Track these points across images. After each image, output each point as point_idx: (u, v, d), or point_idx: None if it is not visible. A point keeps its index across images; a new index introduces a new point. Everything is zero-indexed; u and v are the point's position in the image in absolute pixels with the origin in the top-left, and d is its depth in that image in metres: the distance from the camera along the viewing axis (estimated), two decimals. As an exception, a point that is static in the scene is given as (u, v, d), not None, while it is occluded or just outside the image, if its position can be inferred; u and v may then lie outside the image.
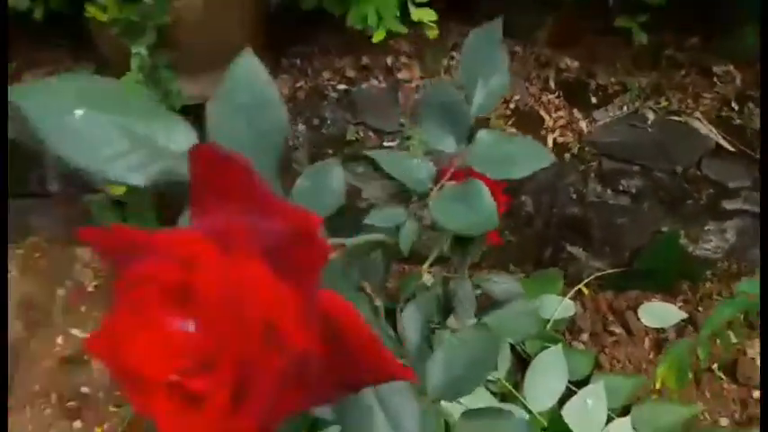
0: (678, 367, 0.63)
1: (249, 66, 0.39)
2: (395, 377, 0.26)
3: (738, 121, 0.87)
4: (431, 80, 0.89)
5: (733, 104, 0.89)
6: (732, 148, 0.84)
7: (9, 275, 0.98)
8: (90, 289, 1.01)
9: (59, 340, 0.94)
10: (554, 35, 1.01)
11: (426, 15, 0.60)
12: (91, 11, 0.67)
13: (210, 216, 0.25)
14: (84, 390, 0.89)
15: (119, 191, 0.94)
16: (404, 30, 0.73)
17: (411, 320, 0.61)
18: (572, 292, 0.98)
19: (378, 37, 0.66)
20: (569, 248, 0.98)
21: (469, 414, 0.57)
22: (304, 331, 0.22)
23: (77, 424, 0.86)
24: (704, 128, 0.86)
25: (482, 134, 0.56)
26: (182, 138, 0.37)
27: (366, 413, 0.33)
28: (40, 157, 0.96)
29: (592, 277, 0.99)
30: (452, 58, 0.96)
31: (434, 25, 0.63)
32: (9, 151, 0.92)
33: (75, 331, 0.95)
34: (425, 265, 0.75)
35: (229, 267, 0.22)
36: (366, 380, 0.27)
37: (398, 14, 0.72)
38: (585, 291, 1.00)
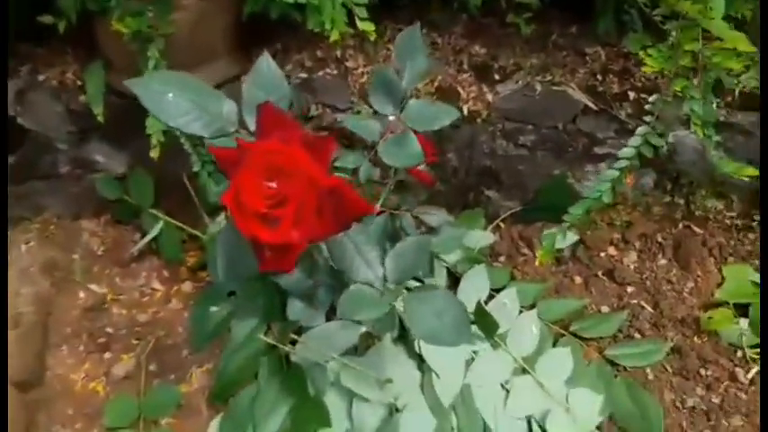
0: (547, 249, 0.91)
1: (266, 62, 0.65)
2: (367, 212, 0.52)
3: (601, 89, 1.16)
4: (375, 66, 1.15)
5: (598, 76, 1.18)
6: (596, 108, 1.14)
7: (29, 245, 1.16)
8: (99, 253, 1.21)
9: (81, 294, 1.13)
10: (466, 29, 1.29)
11: (368, 26, 0.85)
12: (115, 24, 0.89)
13: (272, 136, 0.51)
14: (109, 330, 1.08)
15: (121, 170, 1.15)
16: (351, 31, 0.98)
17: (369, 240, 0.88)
18: (491, 227, 1.26)
19: (333, 37, 0.91)
20: (487, 192, 1.25)
21: (414, 290, 0.83)
22: (326, 179, 0.48)
23: (107, 355, 1.04)
24: (577, 94, 1.14)
25: (411, 102, 0.84)
26: (228, 107, 0.63)
27: (347, 249, 0.58)
28: (52, 143, 1.15)
29: (506, 214, 1.27)
30: (388, 49, 1.22)
31: (374, 33, 0.89)
32: (24, 141, 1.11)
33: (93, 286, 1.14)
34: (377, 205, 1.03)
35: (292, 153, 0.48)
36: (353, 216, 0.53)
37: (347, 21, 0.97)
38: (502, 225, 1.28)
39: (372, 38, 0.87)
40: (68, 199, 1.19)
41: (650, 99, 0.84)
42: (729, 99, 1.16)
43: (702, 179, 1.23)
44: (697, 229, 1.26)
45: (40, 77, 1.09)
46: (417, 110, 0.82)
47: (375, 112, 0.84)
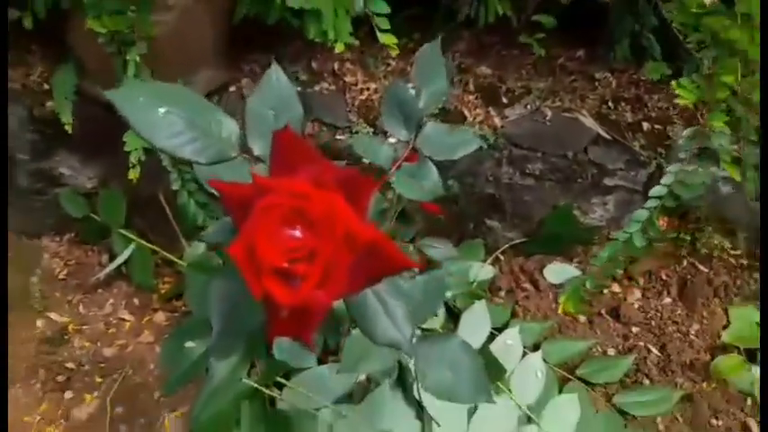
0: (573, 296, 0.84)
1: (276, 75, 0.55)
2: (408, 266, 0.43)
3: (613, 116, 1.10)
4: (389, 83, 1.06)
5: (609, 103, 1.13)
6: (609, 137, 1.08)
7: None
8: (61, 277, 1.09)
9: (39, 323, 1.02)
10: (470, 47, 1.21)
11: (389, 39, 0.77)
12: (90, 23, 0.78)
13: (297, 173, 0.41)
14: (69, 365, 0.98)
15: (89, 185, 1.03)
16: (355, 42, 0.89)
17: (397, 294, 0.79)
18: (491, 259, 1.19)
19: (338, 49, 0.82)
20: (488, 222, 1.18)
21: (423, 335, 0.74)
22: (366, 233, 0.39)
23: (68, 394, 0.94)
24: (588, 121, 1.08)
25: (429, 126, 0.75)
26: (229, 127, 0.53)
27: (371, 307, 0.49)
28: (12, 152, 1.03)
29: (507, 246, 1.19)
30: (388, 64, 1.14)
31: (396, 47, 0.80)
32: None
33: (52, 315, 1.03)
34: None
35: (326, 198, 0.38)
36: (389, 273, 0.43)
37: (352, 30, 0.88)
38: (502, 257, 1.21)
39: (394, 53, 0.78)
40: (28, 215, 1.06)
41: (684, 133, 0.77)
42: (741, 134, 1.12)
43: (709, 215, 1.18)
44: (702, 268, 1.21)
45: (1, 77, 0.97)
46: (435, 136, 0.73)
47: (384, 134, 0.76)
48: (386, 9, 0.77)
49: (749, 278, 1.20)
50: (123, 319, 1.01)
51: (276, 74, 0.55)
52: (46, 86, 0.96)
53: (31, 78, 0.97)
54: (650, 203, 0.78)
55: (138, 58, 0.81)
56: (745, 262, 1.21)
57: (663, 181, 0.77)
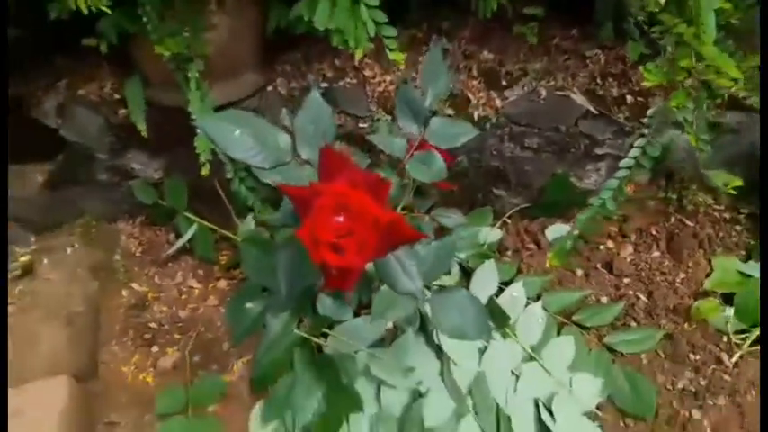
0: (559, 252, 1.01)
1: (316, 99, 0.73)
2: (418, 238, 0.61)
3: (601, 92, 1.25)
4: (395, 78, 1.22)
5: (598, 80, 1.27)
6: (596, 112, 1.23)
7: (74, 248, 1.24)
8: (137, 254, 1.29)
9: (124, 293, 1.22)
10: (474, 34, 1.36)
11: (398, 57, 0.93)
12: (159, 48, 0.96)
13: (338, 178, 0.59)
14: (152, 325, 1.16)
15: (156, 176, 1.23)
16: (372, 46, 1.05)
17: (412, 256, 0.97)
18: (499, 223, 1.36)
19: (358, 56, 0.98)
20: (495, 191, 1.34)
21: (438, 289, 0.93)
22: (386, 216, 0.57)
23: (154, 349, 1.13)
24: (578, 98, 1.23)
25: (434, 120, 0.92)
26: (284, 140, 0.71)
27: (393, 266, 0.68)
28: (92, 153, 1.23)
29: (512, 211, 1.35)
30: (401, 56, 1.29)
31: (403, 62, 0.96)
32: (64, 150, 1.18)
33: (134, 285, 1.23)
34: (398, 209, 1.11)
35: (358, 195, 0.56)
36: (406, 243, 0.61)
37: (369, 36, 1.04)
38: (509, 221, 1.38)
39: (402, 66, 0.94)
40: (106, 203, 1.27)
41: (648, 112, 0.92)
42: (719, 101, 1.25)
43: (693, 176, 1.32)
44: (689, 223, 1.36)
45: (80, 92, 1.16)
46: (440, 128, 0.90)
47: (398, 128, 0.92)
48: (394, 33, 0.93)
49: (731, 230, 1.35)
50: (192, 287, 1.21)
51: (316, 99, 0.72)
52: (117, 96, 1.15)
53: (104, 90, 1.16)
54: (619, 173, 0.94)
55: (197, 74, 0.99)
56: (727, 216, 1.36)
57: (629, 153, 0.93)
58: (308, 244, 0.56)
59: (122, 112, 1.14)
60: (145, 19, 0.99)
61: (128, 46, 1.11)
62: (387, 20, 0.92)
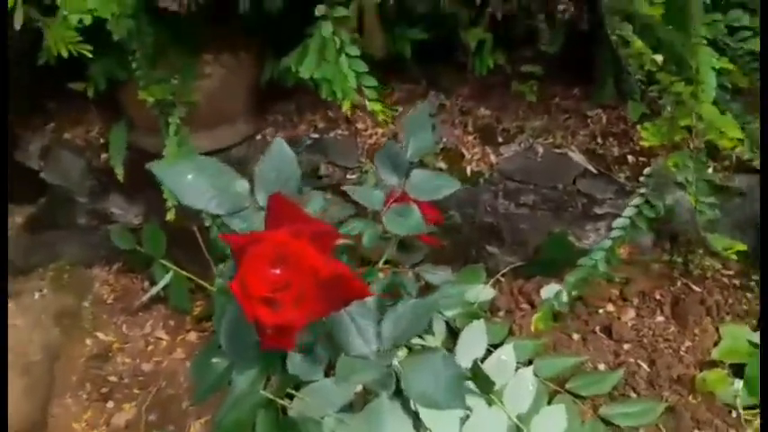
0: (544, 316, 0.94)
1: (280, 146, 0.70)
2: (364, 296, 0.56)
3: (601, 151, 1.21)
4: (388, 131, 1.20)
5: (598, 139, 1.23)
6: (595, 171, 1.18)
7: (42, 293, 1.20)
8: (109, 301, 1.25)
9: (88, 342, 1.17)
10: (472, 90, 1.34)
11: (376, 107, 0.91)
12: (143, 94, 0.95)
13: (283, 226, 0.55)
14: (112, 378, 1.12)
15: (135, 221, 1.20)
16: (360, 100, 1.03)
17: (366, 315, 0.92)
18: (492, 281, 1.29)
19: (345, 107, 0.96)
20: (488, 248, 1.29)
21: (412, 352, 0.87)
22: (327, 269, 0.52)
23: (110, 404, 1.08)
24: (576, 156, 1.19)
25: (415, 172, 0.88)
26: (241, 186, 0.68)
27: (345, 325, 0.62)
28: (73, 196, 1.21)
29: (506, 269, 1.30)
30: (395, 110, 1.28)
31: (381, 113, 0.94)
32: (45, 193, 1.17)
33: (100, 334, 1.18)
34: (380, 264, 1.07)
35: (298, 246, 0.52)
36: (352, 299, 0.57)
37: (356, 87, 1.03)
38: (502, 279, 1.31)
39: (381, 117, 0.92)
40: (84, 248, 1.25)
41: (645, 171, 0.88)
42: (727, 163, 1.20)
43: (699, 239, 1.26)
44: (695, 288, 1.28)
45: (66, 135, 1.16)
46: (421, 180, 0.87)
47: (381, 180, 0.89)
48: (374, 83, 0.92)
49: (741, 297, 1.27)
50: (160, 338, 1.17)
51: (280, 146, 0.70)
52: (102, 141, 1.14)
53: (90, 134, 1.16)
54: (613, 233, 0.88)
55: (178, 120, 0.98)
56: (737, 282, 1.29)
57: (624, 213, 0.88)
58: (239, 298, 0.52)
59: (104, 155, 1.13)
60: (135, 65, 0.99)
61: (116, 91, 1.10)
62: (367, 70, 0.90)
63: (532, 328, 1.08)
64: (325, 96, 1.01)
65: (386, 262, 1.08)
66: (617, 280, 1.30)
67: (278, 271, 0.52)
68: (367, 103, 0.92)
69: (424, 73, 1.34)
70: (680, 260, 1.29)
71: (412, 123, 0.86)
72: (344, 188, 0.86)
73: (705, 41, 0.81)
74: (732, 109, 1.01)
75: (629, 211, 0.87)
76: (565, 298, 0.94)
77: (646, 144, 0.88)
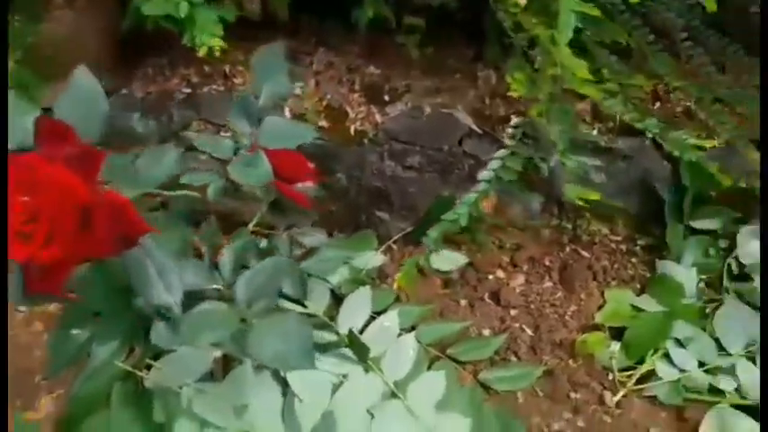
0: (407, 273, 0.91)
1: (84, 77, 0.62)
2: (146, 232, 0.49)
3: (488, 112, 1.18)
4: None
5: (486, 100, 1.20)
6: (480, 131, 1.15)
7: None
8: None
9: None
10: (363, 49, 1.29)
11: (216, 42, 0.84)
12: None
13: (47, 151, 0.48)
14: None
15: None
16: (225, 46, 0.96)
17: (228, 258, 0.86)
18: (383, 248, 1.25)
19: (202, 52, 0.89)
20: (378, 213, 1.25)
21: (262, 314, 0.81)
22: (85, 195, 0.45)
23: None
24: (461, 116, 1.16)
25: (268, 119, 0.82)
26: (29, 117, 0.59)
27: (143, 268, 0.56)
28: None
29: (398, 236, 1.26)
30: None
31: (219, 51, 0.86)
32: None
33: None
34: (250, 225, 1.01)
35: (46, 167, 0.45)
36: (132, 236, 0.50)
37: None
38: (394, 246, 1.27)
39: (217, 53, 0.85)
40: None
41: (511, 122, 0.85)
42: (611, 124, 1.19)
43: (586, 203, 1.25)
44: (584, 253, 1.28)
45: None
46: (272, 128, 0.81)
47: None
48: (213, 16, 0.85)
49: (627, 262, 1.27)
50: (18, 311, 1.07)
51: (85, 77, 0.62)
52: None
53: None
54: (477, 188, 0.85)
55: (12, 64, 0.88)
56: (623, 247, 1.29)
57: (489, 166, 0.85)
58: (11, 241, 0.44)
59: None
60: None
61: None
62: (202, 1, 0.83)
63: (395, 286, 1.04)
64: (186, 42, 0.93)
65: (256, 224, 1.02)
66: (507, 246, 1.29)
67: (27, 198, 0.44)
68: (188, 36, 0.85)
69: (313, 29, 1.28)
70: (569, 226, 1.29)
71: (261, 66, 0.79)
72: (194, 141, 0.79)
73: (569, -16, 0.78)
74: (611, 64, 1.00)
75: (493, 164, 0.84)
76: (457, 254, 0.90)
77: (514, 94, 0.85)
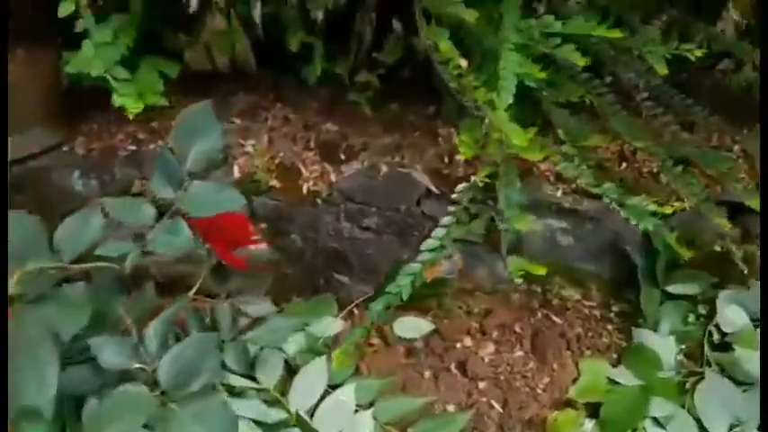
0: (344, 352, 0.83)
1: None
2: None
3: (446, 171, 1.12)
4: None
5: (445, 159, 1.15)
6: (437, 191, 1.09)
7: None
8: None
9: None
10: (322, 105, 1.25)
11: (124, 101, 0.79)
12: None
13: None
14: None
15: None
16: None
17: (154, 333, 0.78)
18: (344, 313, 1.17)
19: (130, 114, 0.84)
20: (337, 276, 1.18)
21: (186, 397, 0.73)
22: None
23: None
24: (419, 176, 1.10)
25: (194, 185, 0.76)
26: None
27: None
28: None
29: (359, 300, 1.18)
30: (232, 122, 1.17)
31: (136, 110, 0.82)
32: None
33: None
34: (190, 293, 0.93)
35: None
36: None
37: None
38: (356, 312, 1.19)
39: (131, 116, 0.80)
40: None
41: (457, 188, 0.79)
42: (575, 185, 1.13)
43: (556, 266, 1.18)
44: (556, 319, 1.20)
45: None
46: (198, 194, 0.75)
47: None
48: (126, 75, 0.80)
49: (601, 330, 1.19)
50: None
51: None
52: None
53: None
54: (421, 257, 0.78)
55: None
56: (597, 313, 1.21)
57: (433, 234, 0.78)
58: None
59: None
60: None
61: None
62: (118, 59, 0.78)
63: (333, 365, 0.96)
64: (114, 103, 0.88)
65: (197, 291, 0.94)
66: (476, 311, 1.21)
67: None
68: (114, 96, 0.79)
69: (272, 84, 1.24)
70: (539, 289, 1.22)
71: (188, 126, 0.74)
72: (108, 205, 0.73)
73: (514, 46, 0.73)
74: (567, 125, 0.95)
75: (438, 232, 0.77)
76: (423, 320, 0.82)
77: (462, 157, 0.80)
